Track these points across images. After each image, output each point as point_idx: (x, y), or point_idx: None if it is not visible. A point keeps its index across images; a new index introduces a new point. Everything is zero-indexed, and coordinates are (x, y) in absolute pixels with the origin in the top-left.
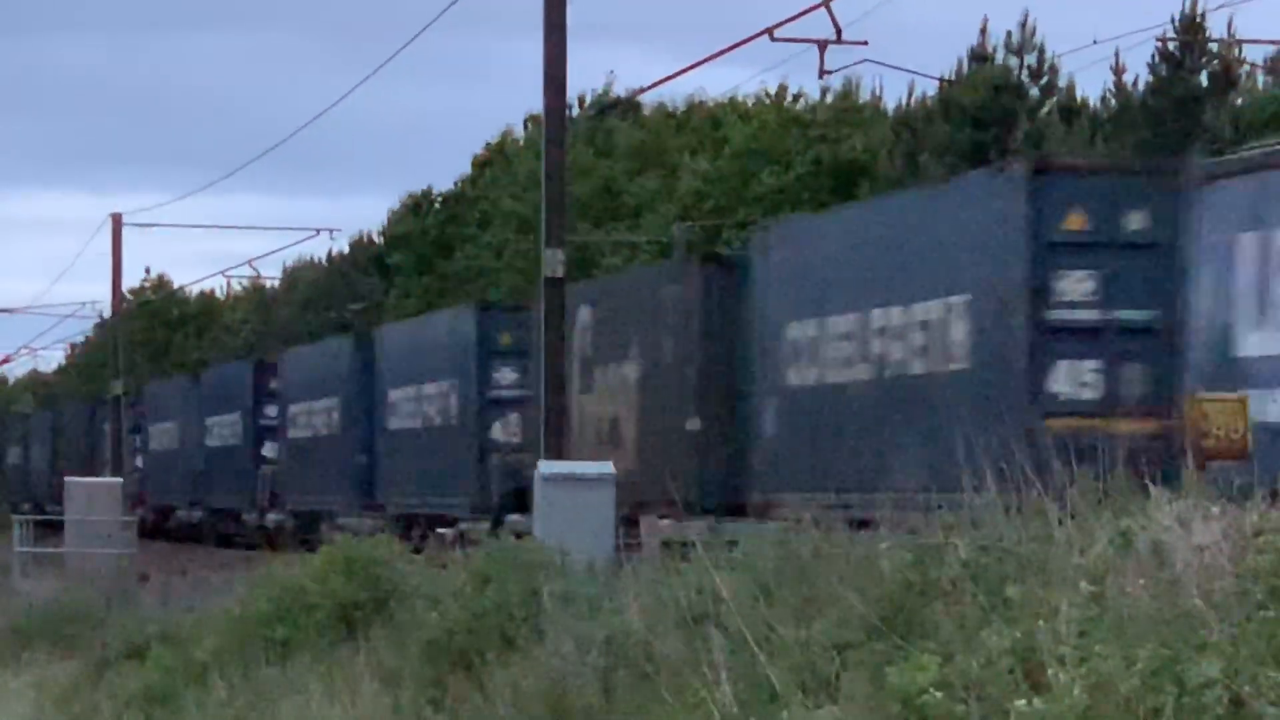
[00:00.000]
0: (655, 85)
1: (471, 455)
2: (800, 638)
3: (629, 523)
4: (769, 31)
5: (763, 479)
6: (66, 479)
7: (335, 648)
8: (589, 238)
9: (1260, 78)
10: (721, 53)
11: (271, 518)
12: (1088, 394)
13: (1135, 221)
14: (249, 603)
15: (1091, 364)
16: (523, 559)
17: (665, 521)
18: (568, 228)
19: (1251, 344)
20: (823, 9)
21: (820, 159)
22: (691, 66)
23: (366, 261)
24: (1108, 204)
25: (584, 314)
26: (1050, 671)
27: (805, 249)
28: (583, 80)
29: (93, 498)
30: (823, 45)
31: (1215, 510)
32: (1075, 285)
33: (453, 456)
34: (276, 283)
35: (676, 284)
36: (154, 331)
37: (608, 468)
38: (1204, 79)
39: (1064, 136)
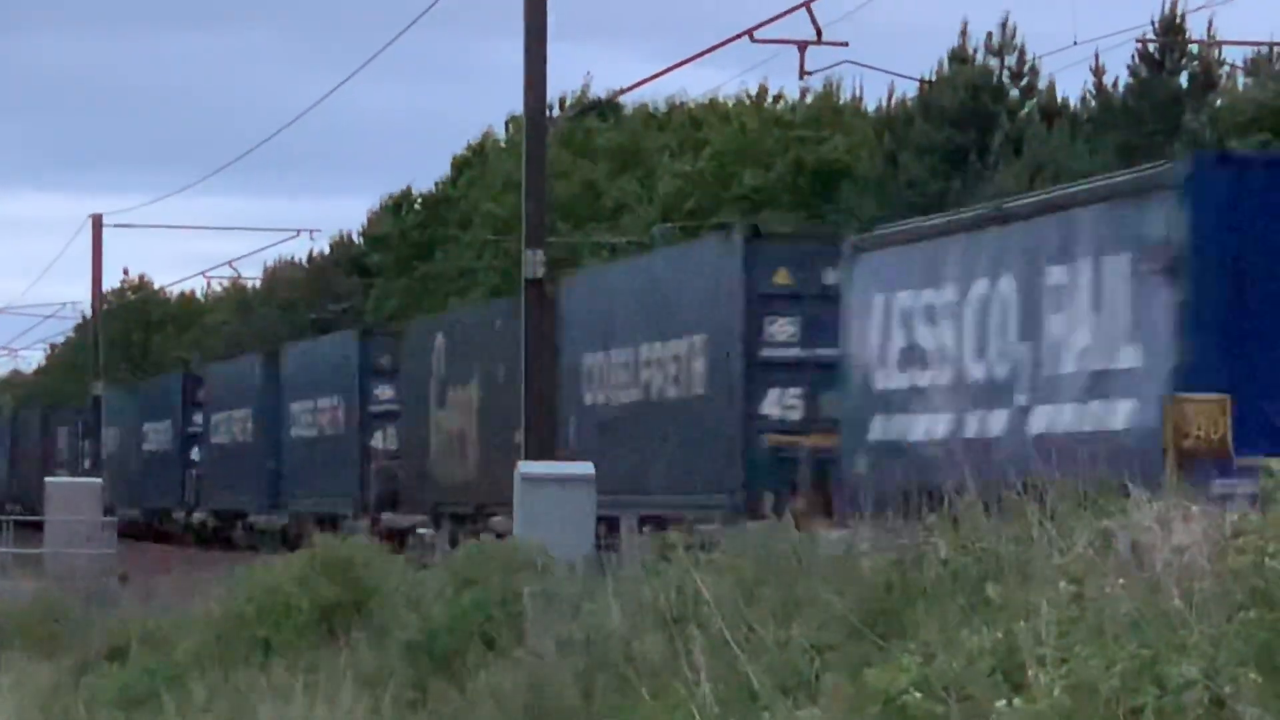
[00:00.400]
0: (636, 86)
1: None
2: (781, 638)
3: (474, 519)
4: (749, 32)
5: None
6: (47, 480)
7: (316, 649)
8: (569, 239)
9: (1240, 79)
10: (702, 54)
11: (197, 516)
12: (793, 415)
13: (829, 277)
14: (229, 604)
15: (795, 391)
16: (503, 559)
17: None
18: (548, 229)
19: (879, 379)
20: (803, 10)
21: (801, 160)
22: (672, 67)
23: (346, 262)
24: (808, 263)
25: (439, 342)
26: (1030, 672)
27: (596, 294)
28: (563, 81)
29: (73, 498)
30: (803, 46)
31: (1195, 510)
32: (781, 329)
33: (339, 463)
34: (257, 283)
35: (510, 318)
36: (134, 332)
37: (588, 468)
38: (1184, 80)
39: (1044, 137)
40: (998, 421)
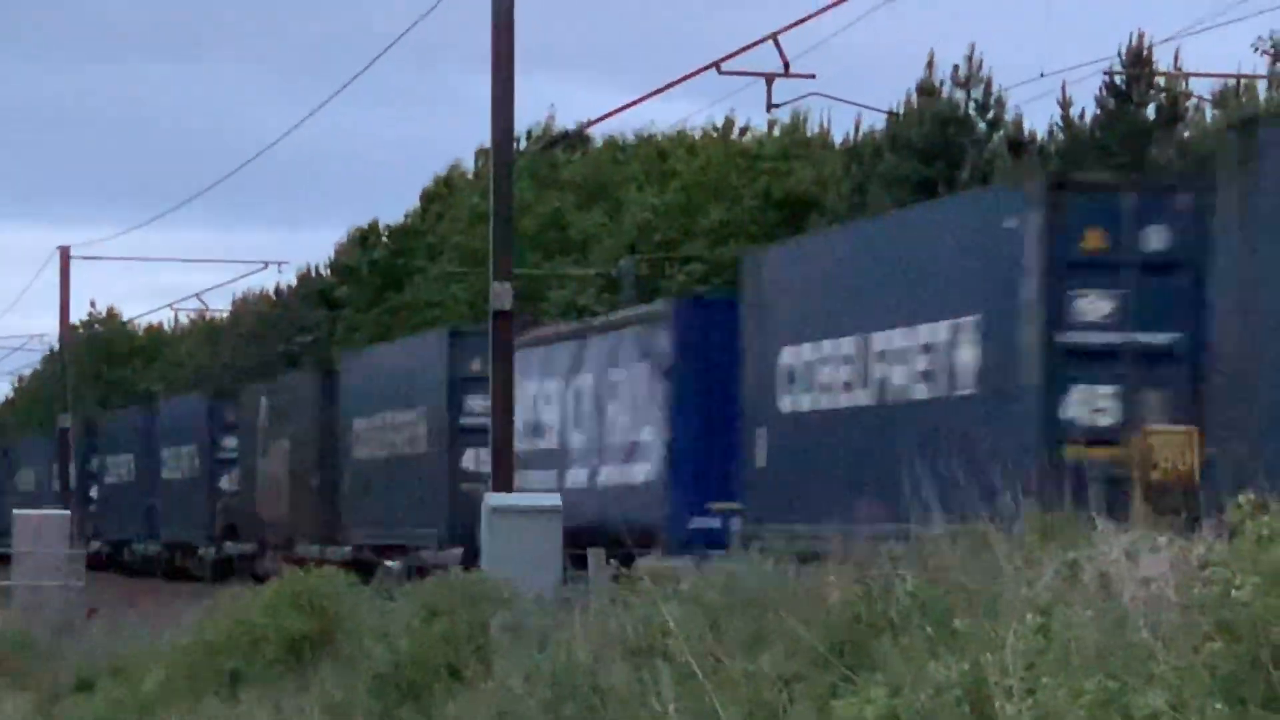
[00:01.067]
0: (603, 118)
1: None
2: (748, 670)
3: (285, 546)
4: (716, 65)
5: (344, 517)
6: (14, 511)
7: (284, 680)
8: (536, 271)
9: (1208, 111)
10: (669, 86)
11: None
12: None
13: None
14: (198, 635)
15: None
16: (470, 591)
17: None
18: (515, 261)
19: (523, 443)
20: (770, 42)
21: (768, 192)
22: (640, 99)
23: (314, 294)
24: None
25: (264, 403)
26: (998, 703)
27: (367, 370)
28: (531, 114)
29: (41, 530)
30: (770, 78)
31: (1162, 541)
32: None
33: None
34: (224, 315)
35: (307, 386)
36: (102, 365)
37: (555, 499)
38: (1151, 111)
39: (1011, 169)
40: (582, 476)
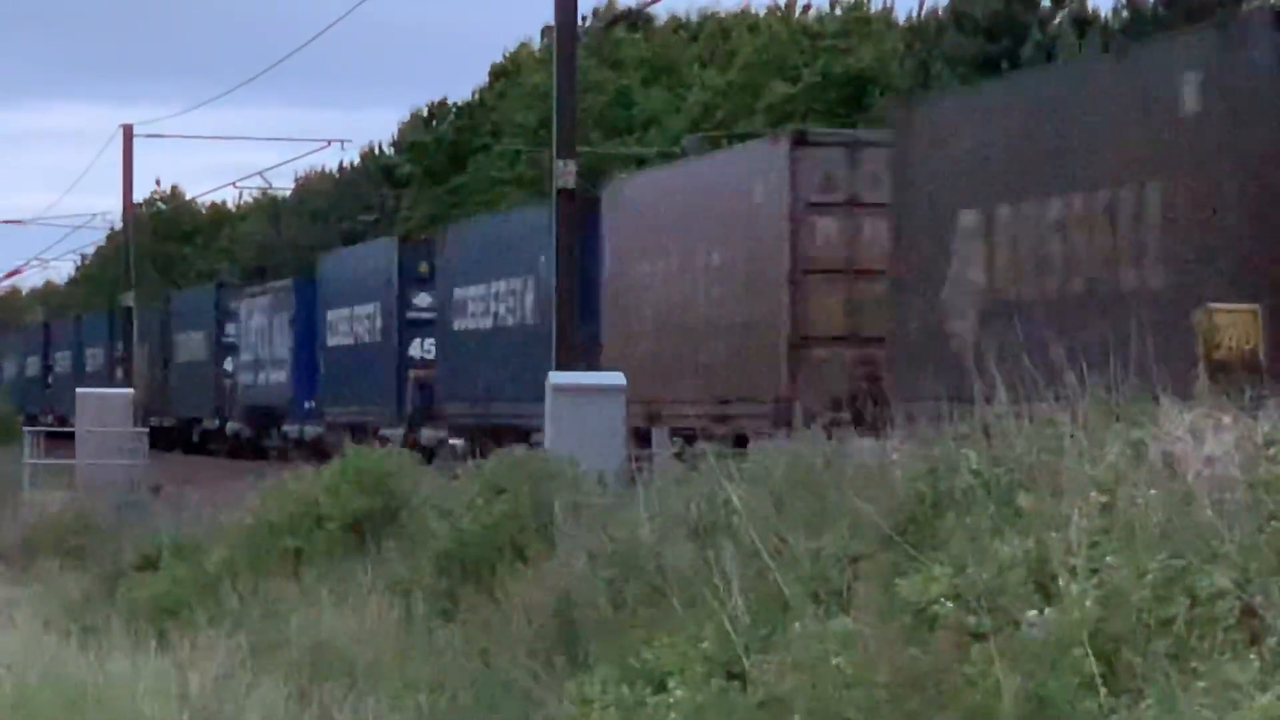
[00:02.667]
0: None
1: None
2: (812, 549)
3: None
4: None
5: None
6: (78, 390)
7: (346, 559)
8: (599, 150)
9: None
10: None
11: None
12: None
13: None
14: (261, 514)
15: None
16: (534, 470)
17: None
18: (579, 140)
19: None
20: None
21: (829, 70)
22: None
23: (377, 172)
24: None
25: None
26: (1061, 582)
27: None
28: None
29: (104, 409)
30: None
31: (1227, 420)
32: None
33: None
34: (287, 194)
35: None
36: (164, 243)
37: (619, 378)
38: None
39: (1076, 47)
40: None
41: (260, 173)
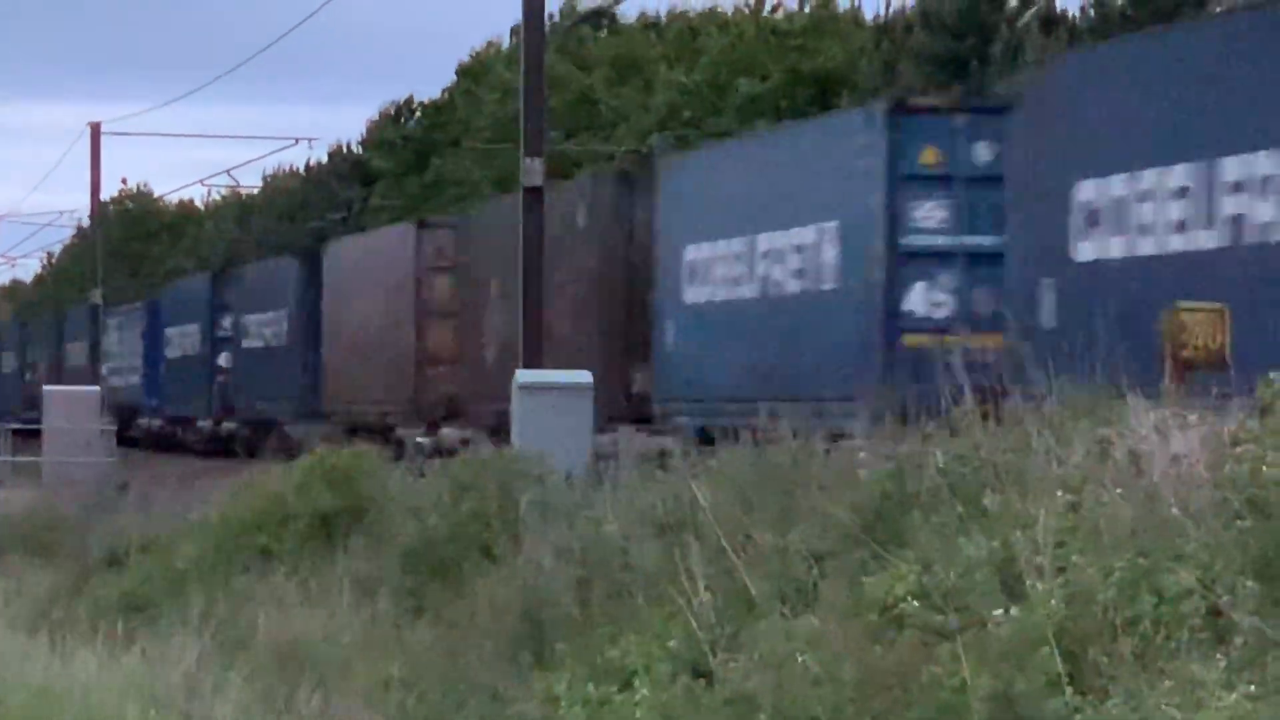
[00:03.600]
0: None
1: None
2: (778, 547)
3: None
4: None
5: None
6: (45, 387)
7: (314, 557)
8: (567, 148)
9: None
10: None
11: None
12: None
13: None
14: (229, 512)
15: None
16: (501, 468)
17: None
18: (546, 138)
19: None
20: None
21: (798, 69)
22: None
23: (347, 169)
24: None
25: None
26: (1028, 581)
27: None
28: None
29: (71, 406)
30: None
31: (1193, 419)
32: None
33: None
34: (255, 191)
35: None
36: (132, 241)
37: (585, 376)
38: None
39: (1043, 47)
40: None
41: (228, 170)
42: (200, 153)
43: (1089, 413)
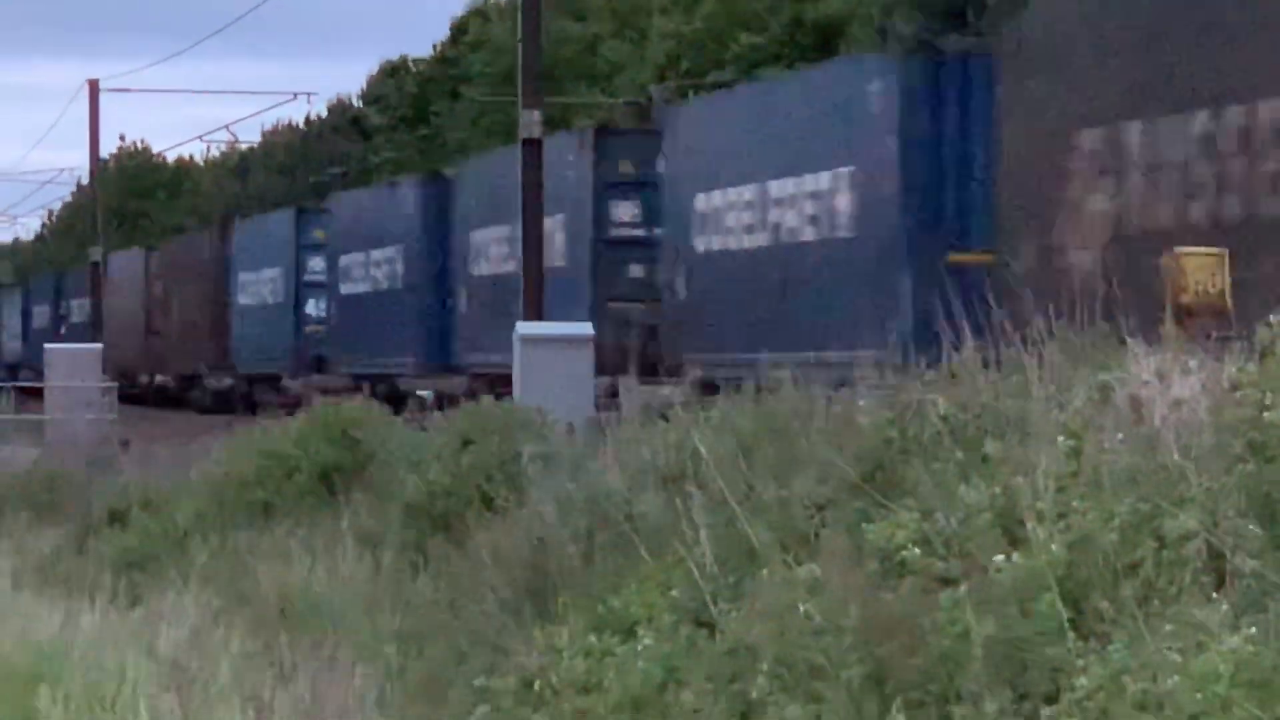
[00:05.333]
0: None
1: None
2: (780, 496)
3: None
4: None
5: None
6: (46, 346)
7: (316, 511)
8: (564, 99)
9: None
10: None
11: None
12: None
13: None
14: (230, 467)
15: None
16: (502, 421)
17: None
18: (544, 90)
19: None
20: None
21: (799, 18)
22: None
23: (345, 124)
24: None
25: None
26: (1029, 527)
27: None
28: None
29: (73, 364)
30: None
31: (1193, 364)
32: None
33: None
34: (254, 147)
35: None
36: (131, 199)
37: (586, 328)
38: None
39: None
40: None
41: (227, 126)
42: (198, 109)
43: (1088, 358)
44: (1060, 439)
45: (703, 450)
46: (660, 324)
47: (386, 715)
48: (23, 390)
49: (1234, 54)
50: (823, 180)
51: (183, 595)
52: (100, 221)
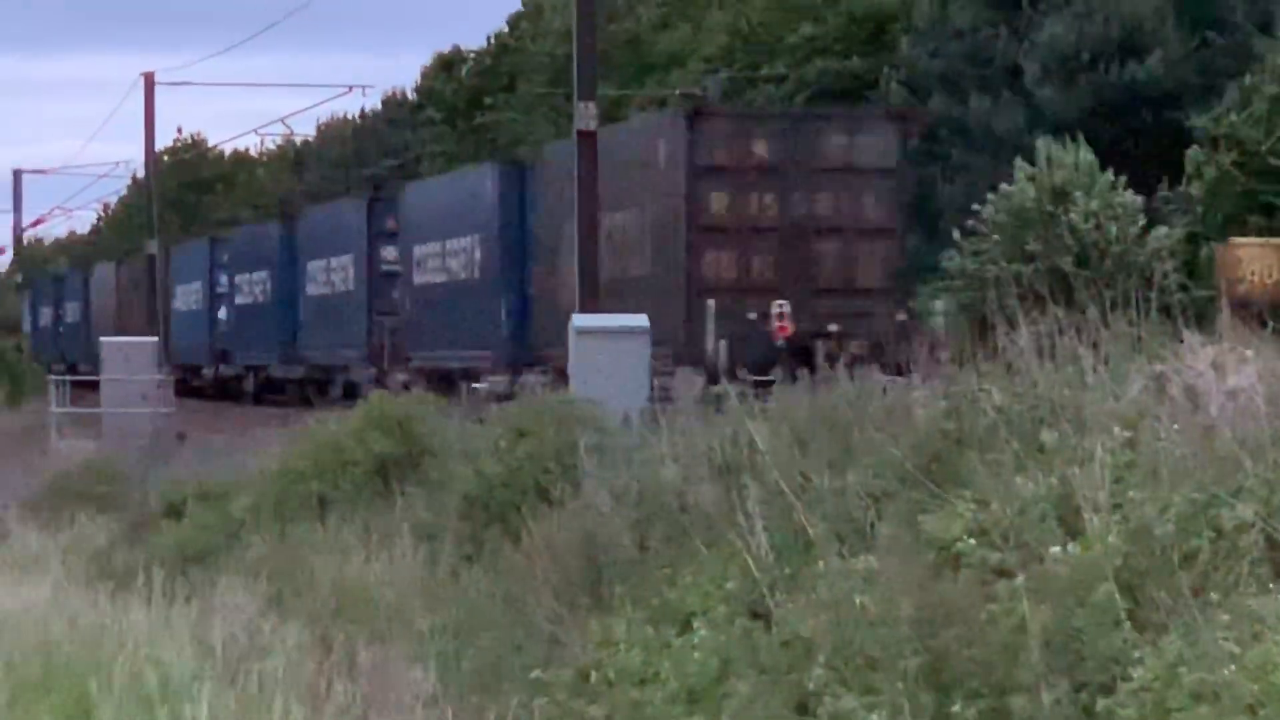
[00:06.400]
0: None
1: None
2: (835, 487)
3: None
4: None
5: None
6: (101, 338)
7: (372, 504)
8: (619, 91)
9: None
10: None
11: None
12: None
13: None
14: (286, 460)
15: None
16: (558, 412)
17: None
18: (598, 82)
19: None
20: None
21: (852, 11)
22: None
23: (404, 115)
24: None
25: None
26: (1085, 517)
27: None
28: None
29: (129, 357)
30: None
31: (1250, 353)
32: None
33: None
34: (310, 140)
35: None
36: (186, 191)
37: (643, 320)
38: None
39: None
40: None
41: (282, 119)
42: (253, 102)
43: (1145, 348)
44: (1116, 429)
45: (759, 441)
46: (399, 330)
47: (441, 707)
48: (81, 383)
49: None
50: (464, 241)
51: (238, 588)
52: (154, 214)
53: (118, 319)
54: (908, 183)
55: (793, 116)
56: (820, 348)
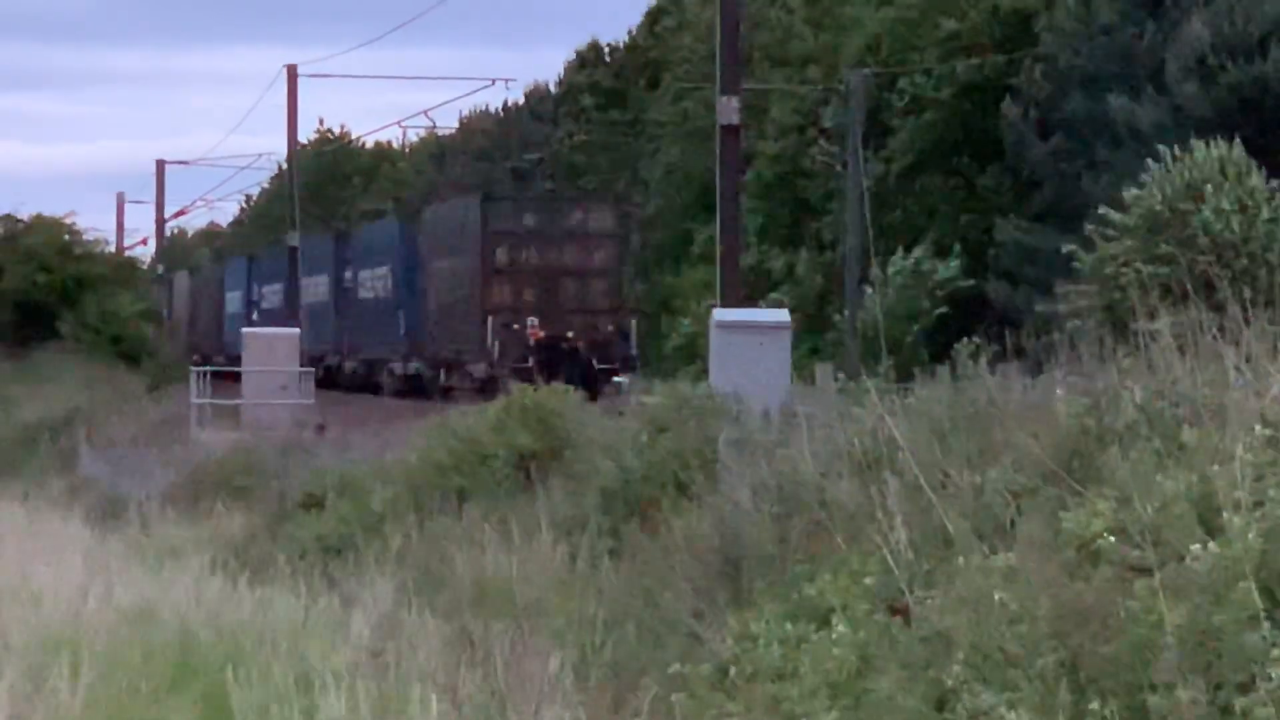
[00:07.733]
0: None
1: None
2: (975, 483)
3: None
4: None
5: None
6: (244, 330)
7: (511, 498)
8: (762, 86)
9: None
10: None
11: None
12: None
13: None
14: (426, 453)
15: None
16: (698, 407)
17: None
18: (742, 77)
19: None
20: None
21: (997, 6)
22: None
23: (549, 109)
24: None
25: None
26: (1226, 516)
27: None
28: None
29: (270, 348)
30: None
31: None
32: None
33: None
34: (453, 133)
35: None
36: (326, 184)
37: (784, 315)
38: None
39: None
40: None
41: (425, 111)
42: (395, 95)
43: None
44: (1257, 427)
45: (898, 437)
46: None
47: (580, 701)
48: (223, 375)
49: None
50: (381, 270)
51: (377, 580)
52: (295, 206)
53: (189, 326)
54: (627, 241)
55: (549, 198)
56: (564, 346)
